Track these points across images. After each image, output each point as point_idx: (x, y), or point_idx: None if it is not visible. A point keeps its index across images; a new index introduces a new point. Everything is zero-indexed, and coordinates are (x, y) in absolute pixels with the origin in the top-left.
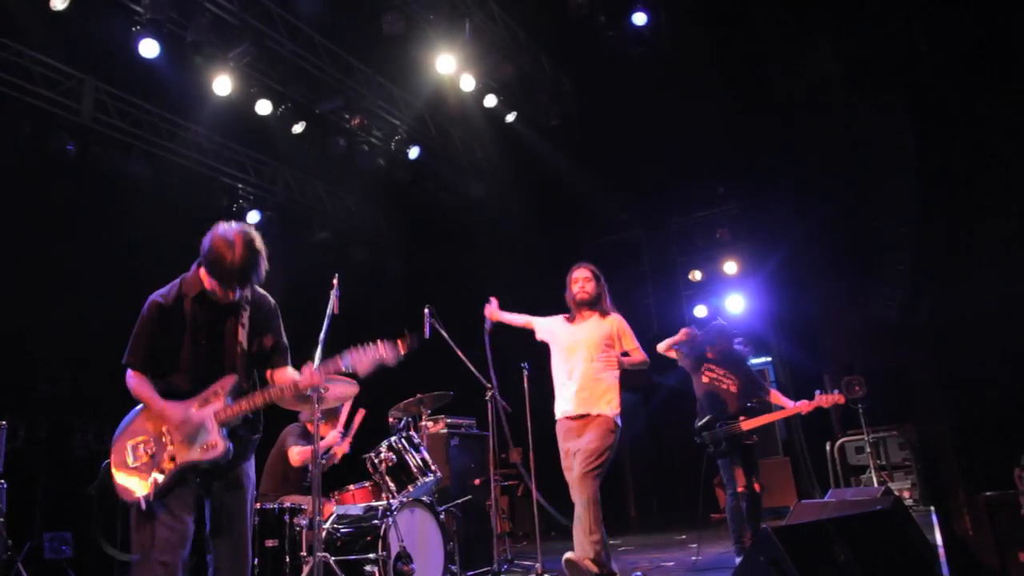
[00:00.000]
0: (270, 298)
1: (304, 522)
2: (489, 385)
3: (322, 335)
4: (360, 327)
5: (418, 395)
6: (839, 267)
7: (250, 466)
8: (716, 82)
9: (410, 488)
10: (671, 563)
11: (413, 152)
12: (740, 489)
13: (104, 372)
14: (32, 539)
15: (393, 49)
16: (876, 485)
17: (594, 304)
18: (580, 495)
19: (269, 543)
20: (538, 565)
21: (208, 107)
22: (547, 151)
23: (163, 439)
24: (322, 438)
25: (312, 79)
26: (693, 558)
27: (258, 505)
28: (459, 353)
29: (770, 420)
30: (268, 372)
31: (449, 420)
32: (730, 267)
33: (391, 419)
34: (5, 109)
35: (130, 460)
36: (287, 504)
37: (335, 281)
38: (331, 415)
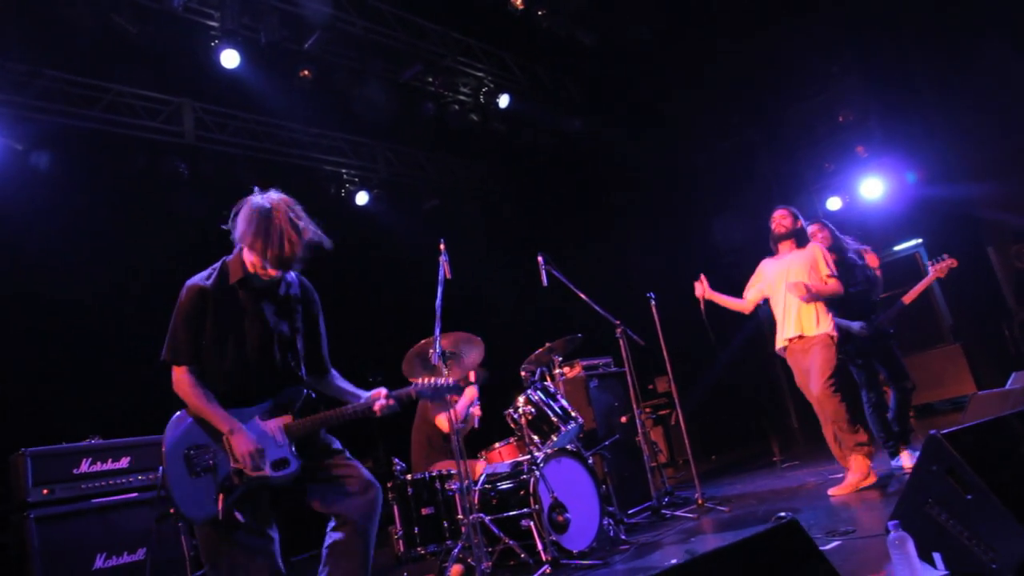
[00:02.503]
0: (312, 288)
1: (455, 486)
2: (616, 321)
3: (438, 301)
4: (479, 286)
5: (547, 344)
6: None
7: None
8: None
9: (553, 438)
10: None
11: (503, 100)
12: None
13: None
14: None
15: (459, 1)
16: None
17: (790, 236)
18: (821, 413)
19: (425, 511)
20: (698, 495)
21: (297, 101)
22: (641, 69)
23: (226, 449)
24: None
25: (388, 50)
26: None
27: (408, 476)
28: (581, 295)
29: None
30: (329, 381)
31: (584, 363)
32: (860, 151)
33: (523, 373)
34: (119, 147)
35: (189, 471)
36: (435, 472)
37: (441, 246)
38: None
